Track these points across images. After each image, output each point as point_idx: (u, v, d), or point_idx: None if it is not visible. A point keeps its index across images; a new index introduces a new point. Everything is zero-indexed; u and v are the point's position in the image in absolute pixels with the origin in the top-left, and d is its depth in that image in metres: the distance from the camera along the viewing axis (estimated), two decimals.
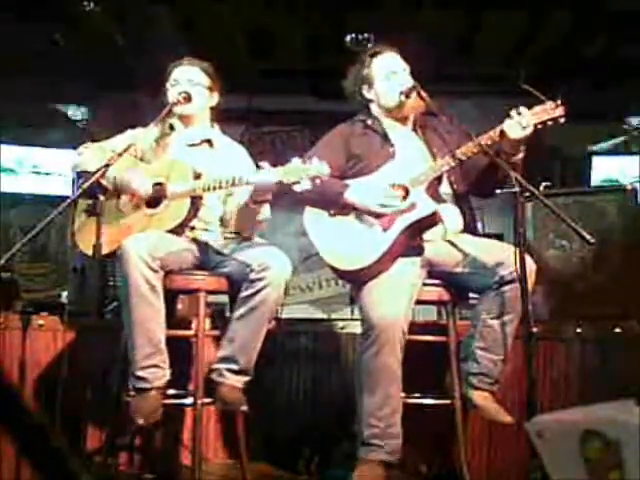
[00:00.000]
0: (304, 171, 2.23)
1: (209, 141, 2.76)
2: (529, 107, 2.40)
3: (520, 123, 2.35)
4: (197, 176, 2.54)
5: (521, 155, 2.46)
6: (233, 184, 2.40)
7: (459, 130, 2.59)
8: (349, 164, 2.62)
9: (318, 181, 2.24)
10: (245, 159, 2.78)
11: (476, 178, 2.60)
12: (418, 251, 2.51)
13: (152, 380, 2.33)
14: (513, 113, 2.37)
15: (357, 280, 2.50)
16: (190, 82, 2.67)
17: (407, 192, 2.47)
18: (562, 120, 2.36)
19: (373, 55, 2.69)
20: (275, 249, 2.48)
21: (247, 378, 2.44)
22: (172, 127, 2.74)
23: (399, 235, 2.44)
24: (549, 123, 2.37)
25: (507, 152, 2.42)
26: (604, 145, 5.52)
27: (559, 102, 2.36)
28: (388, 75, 2.63)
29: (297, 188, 2.25)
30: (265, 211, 2.58)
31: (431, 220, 2.46)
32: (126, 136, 2.72)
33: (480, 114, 5.27)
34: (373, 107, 2.71)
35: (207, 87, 2.71)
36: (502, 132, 2.39)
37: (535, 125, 2.37)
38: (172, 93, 2.67)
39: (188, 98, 2.63)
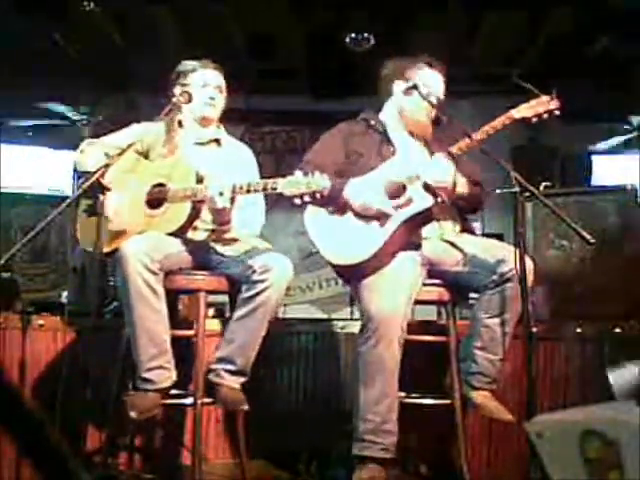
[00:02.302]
0: (306, 184, 2.23)
1: (217, 141, 2.76)
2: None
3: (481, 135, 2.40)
4: (200, 179, 2.53)
5: (461, 192, 2.49)
6: (233, 191, 2.40)
7: (460, 133, 2.59)
8: (348, 162, 2.63)
9: (319, 196, 2.25)
10: (251, 160, 2.81)
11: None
12: (416, 246, 2.52)
13: (158, 382, 2.33)
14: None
15: (356, 275, 2.51)
16: (217, 88, 2.69)
17: (404, 188, 2.48)
18: (557, 113, 2.40)
19: (424, 62, 2.65)
20: (276, 252, 2.49)
21: (244, 379, 2.44)
22: (180, 124, 2.74)
23: (396, 230, 2.45)
24: (545, 116, 2.40)
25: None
26: (606, 144, 5.52)
27: (554, 95, 2.39)
28: (426, 87, 2.53)
29: (297, 202, 2.26)
30: (251, 224, 2.61)
31: (428, 215, 2.48)
32: (130, 131, 2.71)
33: (479, 114, 5.28)
34: (390, 103, 2.71)
35: (225, 93, 2.73)
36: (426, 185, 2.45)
37: (531, 118, 2.41)
38: (200, 94, 2.65)
39: (189, 99, 2.63)
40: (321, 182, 2.23)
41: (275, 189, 2.30)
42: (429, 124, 2.64)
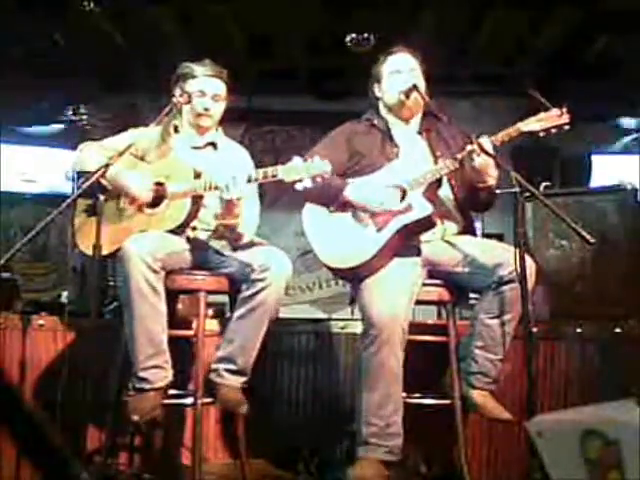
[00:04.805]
0: (306, 170, 2.24)
1: (213, 144, 2.76)
2: (531, 110, 2.40)
3: (475, 152, 2.35)
4: (197, 175, 2.54)
5: (491, 182, 2.46)
6: (249, 180, 2.39)
7: (461, 134, 2.60)
8: (352, 161, 2.63)
9: (320, 179, 2.25)
10: (247, 162, 2.79)
11: (468, 188, 2.60)
12: (415, 252, 2.51)
13: (154, 381, 2.33)
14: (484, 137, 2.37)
15: (352, 278, 2.53)
16: (215, 97, 2.65)
17: (405, 193, 2.47)
18: (567, 127, 2.36)
19: (387, 54, 2.70)
20: (276, 249, 2.48)
21: (245, 378, 2.44)
22: (176, 129, 2.74)
23: (392, 236, 2.45)
24: (553, 131, 2.37)
25: (476, 179, 2.44)
26: (607, 145, 5.53)
27: (564, 110, 2.36)
28: (392, 73, 2.65)
29: (299, 187, 2.26)
30: (247, 223, 2.57)
31: (426, 223, 2.46)
32: (127, 135, 2.71)
33: (480, 114, 5.28)
34: (381, 106, 2.73)
35: (225, 99, 2.71)
36: (461, 162, 2.40)
37: (538, 132, 2.38)
38: (196, 103, 2.63)
39: (189, 100, 2.62)
40: (321, 166, 2.23)
41: (275, 176, 2.30)
42: (414, 105, 2.63)
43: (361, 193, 2.50)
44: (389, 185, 2.50)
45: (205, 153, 2.74)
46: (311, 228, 2.59)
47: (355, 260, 2.45)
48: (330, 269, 2.57)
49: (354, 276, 2.50)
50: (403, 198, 2.47)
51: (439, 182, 2.55)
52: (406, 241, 2.49)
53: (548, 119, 2.37)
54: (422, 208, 2.44)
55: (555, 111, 2.36)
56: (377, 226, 2.47)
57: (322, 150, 2.62)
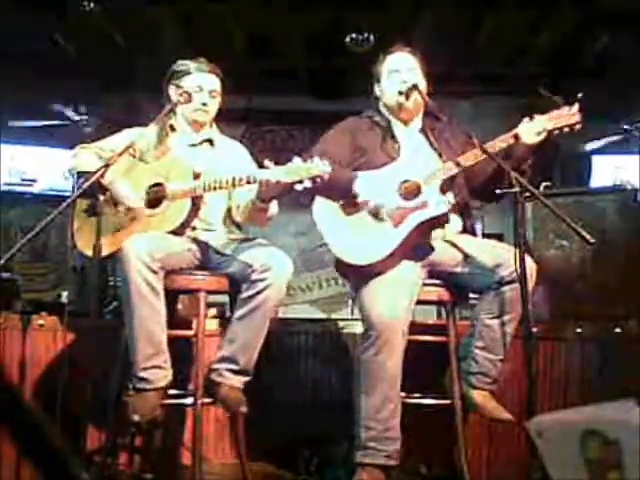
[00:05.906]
0: (306, 170, 2.23)
1: (210, 141, 2.76)
2: (531, 108, 2.39)
3: (535, 128, 2.34)
4: (196, 176, 2.54)
5: (529, 162, 2.45)
6: (233, 184, 2.39)
7: (463, 134, 2.59)
8: (354, 156, 2.61)
9: (319, 180, 2.24)
10: (246, 157, 2.79)
11: (482, 184, 2.58)
12: (427, 253, 2.50)
13: (154, 381, 2.33)
14: (526, 119, 2.36)
15: (363, 275, 2.45)
16: (212, 93, 2.67)
17: (419, 189, 2.45)
18: (579, 127, 2.34)
19: (387, 53, 2.69)
20: (276, 249, 2.48)
21: (247, 378, 2.44)
22: (173, 128, 2.73)
23: (410, 232, 2.41)
24: (566, 130, 2.35)
25: (519, 157, 2.41)
26: (603, 142, 5.52)
27: (576, 108, 2.34)
28: (391, 73, 2.64)
29: (298, 187, 2.24)
30: (273, 207, 2.54)
31: (442, 219, 2.45)
32: (124, 135, 2.71)
33: (480, 114, 5.28)
34: (380, 105, 2.72)
35: (220, 95, 2.72)
36: (516, 136, 2.37)
37: (551, 130, 2.36)
38: (194, 98, 2.63)
39: (189, 99, 2.62)
40: (321, 167, 2.21)
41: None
42: (414, 106, 2.62)
43: (373, 193, 2.44)
44: (403, 181, 2.47)
45: (202, 151, 2.74)
46: (324, 222, 2.52)
47: (373, 257, 2.40)
48: (344, 265, 2.49)
49: (367, 273, 2.43)
50: (417, 194, 2.45)
51: (451, 182, 2.52)
52: (421, 237, 2.46)
53: (559, 117, 2.35)
54: (438, 205, 2.41)
55: (566, 109, 2.35)
56: (394, 222, 2.43)
57: (325, 145, 2.61)
